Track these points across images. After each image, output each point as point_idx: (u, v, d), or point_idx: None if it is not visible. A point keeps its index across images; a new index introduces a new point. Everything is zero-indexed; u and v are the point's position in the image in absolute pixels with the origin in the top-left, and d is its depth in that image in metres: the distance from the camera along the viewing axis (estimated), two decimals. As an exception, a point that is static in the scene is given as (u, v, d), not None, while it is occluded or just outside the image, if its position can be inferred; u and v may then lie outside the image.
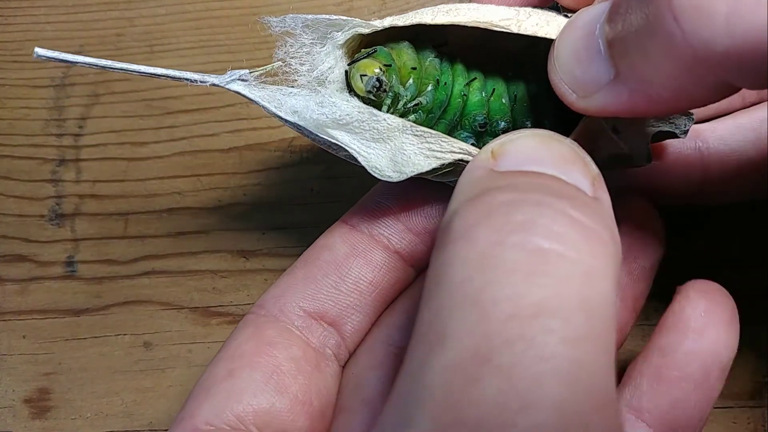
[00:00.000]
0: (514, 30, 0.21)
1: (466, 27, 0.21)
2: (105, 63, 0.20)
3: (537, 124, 0.22)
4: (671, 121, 0.22)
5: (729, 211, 0.27)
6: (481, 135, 0.22)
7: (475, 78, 0.22)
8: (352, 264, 0.23)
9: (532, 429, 0.12)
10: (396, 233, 0.23)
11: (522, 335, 0.13)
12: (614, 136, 0.21)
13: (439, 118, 0.22)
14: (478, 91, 0.22)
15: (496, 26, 0.20)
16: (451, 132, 0.23)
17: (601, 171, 0.21)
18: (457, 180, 0.21)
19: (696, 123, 0.25)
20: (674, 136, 0.22)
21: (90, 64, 0.20)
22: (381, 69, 0.20)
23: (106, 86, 0.31)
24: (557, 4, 0.22)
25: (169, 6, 0.31)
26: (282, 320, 0.22)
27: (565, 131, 0.21)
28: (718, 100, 0.17)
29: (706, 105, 0.18)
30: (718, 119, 0.25)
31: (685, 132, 0.22)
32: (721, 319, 0.21)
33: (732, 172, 0.24)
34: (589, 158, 0.18)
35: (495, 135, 0.22)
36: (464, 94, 0.22)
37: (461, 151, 0.21)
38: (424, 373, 0.14)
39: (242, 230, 0.30)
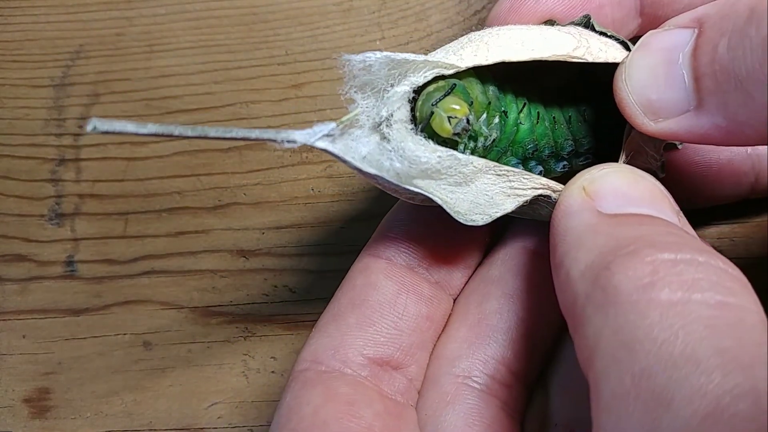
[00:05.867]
0: (589, 59, 0.20)
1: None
2: (180, 130, 0.17)
3: (576, 144, 0.22)
4: None
5: (722, 207, 0.27)
6: (527, 161, 0.22)
7: (525, 104, 0.22)
8: (406, 301, 0.21)
9: None
10: (434, 263, 0.22)
11: (749, 388, 0.13)
12: (654, 154, 0.21)
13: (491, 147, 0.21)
14: (527, 118, 0.22)
15: (574, 58, 0.20)
16: (499, 160, 0.22)
17: None
18: (523, 212, 0.21)
19: None
20: (675, 147, 0.23)
21: (159, 134, 0.17)
22: (470, 110, 0.19)
23: (106, 86, 0.31)
24: (589, 20, 0.21)
25: (169, 6, 0.31)
26: (349, 373, 0.20)
27: (600, 149, 0.22)
28: None
29: None
30: None
31: (682, 143, 0.24)
32: None
33: None
34: (668, 192, 0.18)
35: (541, 160, 0.22)
36: (520, 122, 0.21)
37: (542, 186, 0.20)
38: None
39: (242, 230, 0.30)
